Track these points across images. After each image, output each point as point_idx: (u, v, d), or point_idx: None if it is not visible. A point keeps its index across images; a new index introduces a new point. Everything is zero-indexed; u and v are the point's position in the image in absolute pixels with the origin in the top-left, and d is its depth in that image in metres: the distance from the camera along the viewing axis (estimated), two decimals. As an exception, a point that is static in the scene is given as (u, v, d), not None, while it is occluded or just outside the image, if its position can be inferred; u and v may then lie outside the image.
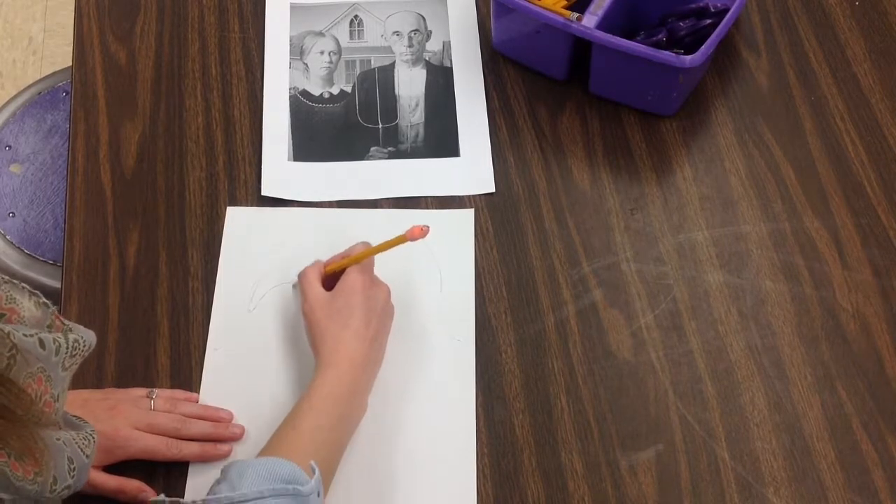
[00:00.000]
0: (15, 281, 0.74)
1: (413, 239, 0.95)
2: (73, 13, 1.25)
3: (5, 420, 0.65)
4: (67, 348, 0.74)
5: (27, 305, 0.74)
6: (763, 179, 1.12)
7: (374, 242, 1.08)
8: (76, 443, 0.77)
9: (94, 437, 0.81)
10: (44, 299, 0.76)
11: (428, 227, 0.94)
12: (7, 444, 0.66)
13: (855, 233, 1.08)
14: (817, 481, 0.95)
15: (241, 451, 0.96)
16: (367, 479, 0.95)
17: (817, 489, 0.94)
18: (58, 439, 0.75)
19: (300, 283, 1.00)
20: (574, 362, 1.01)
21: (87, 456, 0.78)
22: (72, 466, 0.75)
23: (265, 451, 0.88)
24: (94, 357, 0.99)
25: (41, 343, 0.70)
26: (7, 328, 0.68)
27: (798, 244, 1.07)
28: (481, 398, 0.99)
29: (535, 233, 1.09)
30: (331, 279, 1.00)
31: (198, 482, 0.94)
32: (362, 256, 0.98)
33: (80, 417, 0.83)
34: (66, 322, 0.77)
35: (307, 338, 0.98)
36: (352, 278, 0.97)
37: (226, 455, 0.95)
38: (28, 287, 0.75)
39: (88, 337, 0.78)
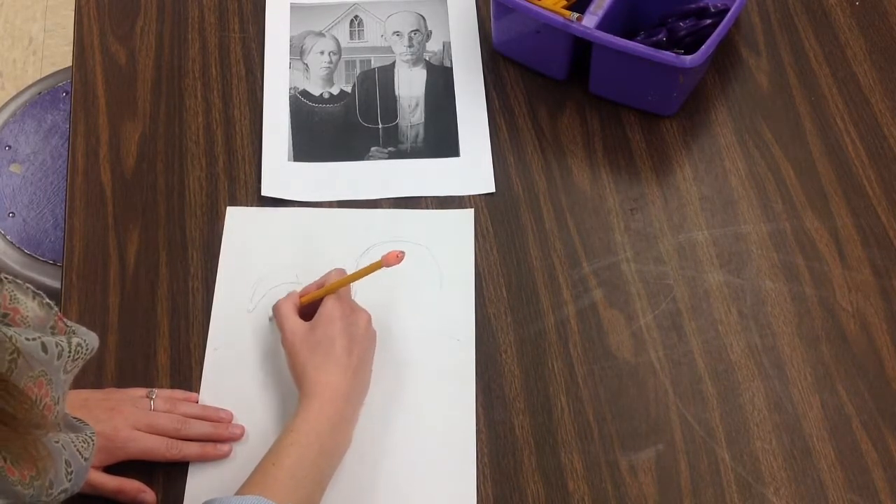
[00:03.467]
0: (19, 281, 0.74)
1: (388, 265, 0.94)
2: (73, 13, 1.26)
3: (4, 424, 0.64)
4: (70, 352, 0.73)
5: (31, 305, 0.73)
6: (763, 179, 1.12)
7: (374, 243, 1.08)
8: (74, 445, 0.77)
9: (93, 440, 0.80)
10: (47, 300, 0.75)
11: (403, 252, 0.93)
12: (5, 448, 0.65)
13: (855, 233, 1.08)
14: (817, 481, 0.95)
15: (240, 452, 0.96)
16: (367, 478, 0.95)
17: (817, 489, 0.94)
18: (56, 442, 0.74)
19: (276, 317, 0.99)
20: (574, 362, 1.01)
21: (85, 459, 0.78)
22: (69, 470, 0.75)
23: (245, 488, 0.86)
24: (94, 357, 0.98)
25: (43, 347, 0.70)
26: (10, 332, 0.68)
27: (798, 244, 1.08)
28: (481, 398, 0.99)
29: (535, 233, 1.09)
30: (308, 308, 0.99)
31: (198, 482, 0.94)
32: (338, 285, 0.97)
33: (80, 419, 0.83)
34: (69, 324, 0.77)
35: (289, 371, 0.96)
36: (330, 306, 0.96)
37: (226, 455, 0.95)
38: (31, 287, 0.75)
39: (91, 340, 0.78)
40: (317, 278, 1.01)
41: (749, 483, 0.95)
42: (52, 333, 0.74)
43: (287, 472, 0.87)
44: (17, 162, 1.50)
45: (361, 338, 0.96)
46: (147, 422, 0.94)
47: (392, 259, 0.93)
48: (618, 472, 0.95)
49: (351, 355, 0.94)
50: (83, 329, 0.78)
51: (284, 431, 0.90)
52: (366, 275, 0.97)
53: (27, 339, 0.69)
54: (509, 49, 1.20)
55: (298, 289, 1.01)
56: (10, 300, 0.72)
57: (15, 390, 0.66)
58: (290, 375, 0.97)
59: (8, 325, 0.71)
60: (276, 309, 0.99)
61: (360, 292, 1.02)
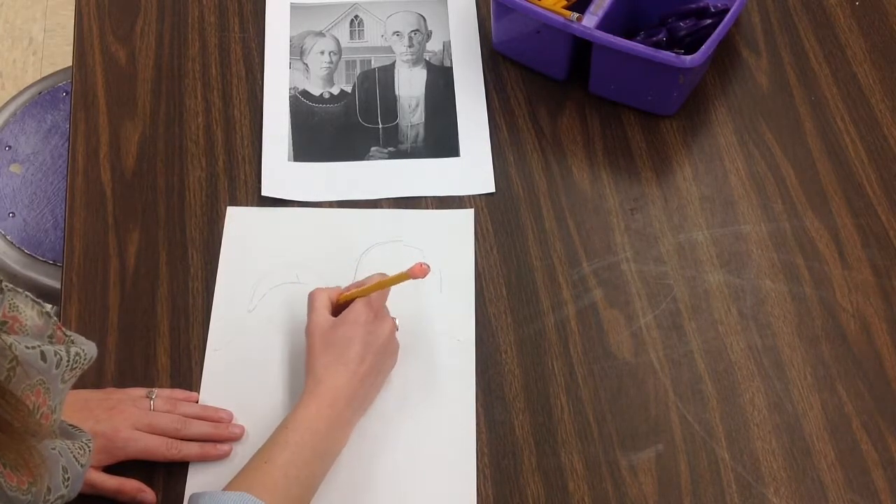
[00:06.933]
0: (18, 289, 0.74)
1: (414, 277, 0.92)
2: (73, 13, 1.26)
3: (1, 431, 0.65)
4: (68, 361, 0.73)
5: (29, 314, 0.74)
6: (763, 179, 1.12)
7: (374, 243, 1.08)
8: (71, 452, 0.77)
9: (89, 446, 0.81)
10: (46, 308, 0.76)
11: (429, 266, 0.92)
12: (3, 456, 0.66)
13: (855, 233, 1.08)
14: (817, 481, 0.95)
15: (240, 452, 0.96)
16: (367, 478, 0.95)
17: (817, 489, 0.94)
18: (53, 448, 0.75)
19: (308, 304, 0.98)
20: (574, 362, 1.01)
21: (81, 465, 0.78)
22: (66, 476, 0.75)
23: (235, 484, 0.86)
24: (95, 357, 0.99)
25: (42, 356, 0.70)
26: (9, 340, 0.68)
27: (798, 244, 1.08)
28: (481, 398, 0.99)
29: (535, 233, 1.09)
30: (345, 305, 0.98)
31: (198, 482, 0.94)
32: (371, 290, 0.96)
33: (76, 426, 0.83)
34: (68, 333, 0.77)
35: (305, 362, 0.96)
36: (357, 310, 0.95)
37: (226, 455, 0.95)
38: (31, 296, 0.75)
39: (89, 350, 0.78)
40: (317, 278, 1.01)
41: (749, 483, 0.95)
42: (51, 342, 0.74)
43: (279, 471, 0.87)
44: (17, 162, 1.50)
45: (380, 348, 0.95)
46: (147, 422, 0.94)
47: (417, 271, 0.92)
48: (618, 472, 0.95)
49: (362, 363, 0.93)
50: (82, 338, 0.78)
51: (280, 428, 0.90)
52: (394, 284, 0.96)
53: (27, 348, 0.69)
54: (509, 49, 1.20)
55: (301, 288, 1.00)
56: (10, 308, 0.72)
57: (12, 398, 0.66)
58: (295, 373, 0.97)
59: (7, 333, 0.71)
60: (310, 296, 0.98)
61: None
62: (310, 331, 0.96)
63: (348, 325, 0.94)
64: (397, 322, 0.98)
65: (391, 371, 0.99)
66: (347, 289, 0.99)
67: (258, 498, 0.83)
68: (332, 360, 0.93)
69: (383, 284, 0.96)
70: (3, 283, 0.73)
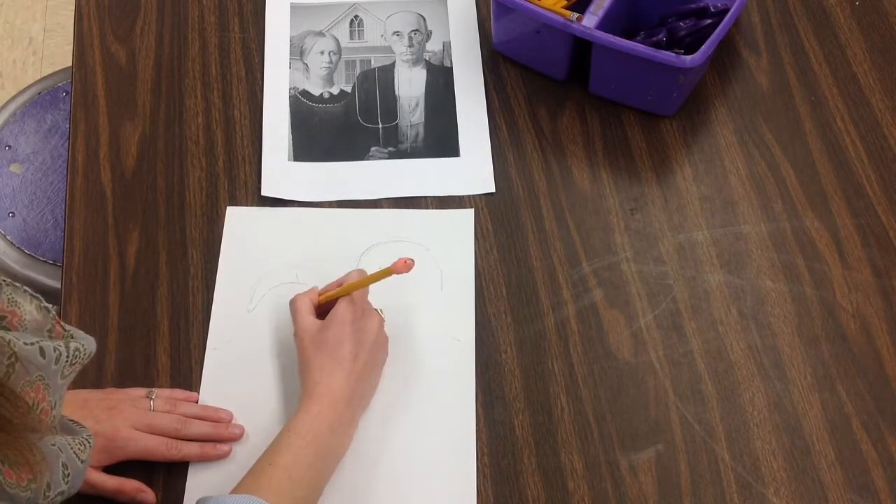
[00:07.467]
0: (17, 284, 0.75)
1: (398, 272, 0.93)
2: (73, 13, 1.26)
3: (1, 429, 0.65)
4: (68, 357, 0.74)
5: (28, 309, 0.74)
6: (763, 179, 1.12)
7: (374, 243, 1.08)
8: (72, 448, 0.77)
9: (90, 442, 0.81)
10: (45, 303, 0.76)
11: (413, 260, 0.92)
12: (2, 453, 0.66)
13: (855, 233, 1.08)
14: (817, 481, 0.95)
15: (240, 452, 0.96)
16: (367, 478, 0.95)
17: (817, 489, 0.94)
18: (53, 444, 0.75)
19: (291, 310, 0.99)
20: (574, 362, 1.01)
21: (82, 461, 0.78)
22: (66, 472, 0.75)
23: (241, 487, 0.86)
24: (94, 357, 0.98)
25: (41, 352, 0.70)
26: (8, 336, 0.68)
27: (798, 244, 1.08)
28: (481, 398, 0.99)
29: (535, 233, 1.09)
30: (327, 306, 0.98)
31: (198, 482, 0.94)
32: (352, 288, 0.96)
33: (77, 422, 0.83)
34: (67, 328, 0.77)
35: (297, 368, 0.96)
36: (342, 309, 0.95)
37: (225, 455, 0.95)
38: (30, 290, 0.75)
39: (88, 345, 0.78)
40: (317, 278, 1.01)
41: (749, 483, 0.95)
42: (50, 337, 0.74)
43: (284, 473, 0.87)
44: (17, 162, 1.50)
45: (370, 343, 0.95)
46: (147, 422, 0.94)
47: (401, 266, 0.92)
48: (618, 472, 0.95)
49: (356, 360, 0.94)
50: (81, 333, 0.78)
51: (283, 431, 0.90)
52: (377, 280, 0.96)
53: (25, 344, 0.69)
54: (509, 49, 1.20)
55: (301, 288, 1.01)
56: (9, 303, 0.72)
57: (12, 395, 0.66)
58: (295, 373, 0.97)
59: (6, 328, 0.71)
60: (292, 303, 0.99)
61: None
62: (298, 336, 0.96)
63: (336, 326, 0.94)
64: (384, 314, 0.98)
65: (384, 364, 0.99)
66: (327, 288, 0.99)
67: (263, 499, 0.83)
68: (326, 362, 0.93)
69: (364, 282, 0.97)
70: (1, 279, 0.73)
